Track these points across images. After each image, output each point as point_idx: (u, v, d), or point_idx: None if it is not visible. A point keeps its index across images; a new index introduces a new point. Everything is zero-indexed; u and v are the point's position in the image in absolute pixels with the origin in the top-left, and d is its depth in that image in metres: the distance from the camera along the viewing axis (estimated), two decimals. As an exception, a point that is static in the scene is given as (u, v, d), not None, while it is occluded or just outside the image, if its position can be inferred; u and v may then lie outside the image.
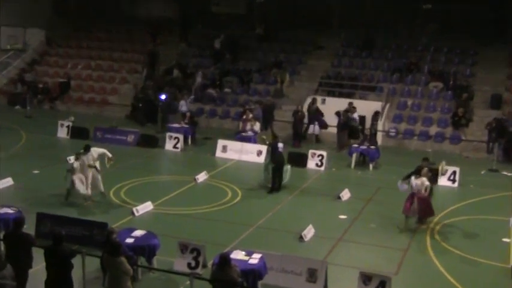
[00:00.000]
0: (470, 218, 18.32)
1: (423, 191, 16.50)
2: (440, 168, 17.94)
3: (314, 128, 27.65)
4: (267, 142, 21.22)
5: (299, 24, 35.68)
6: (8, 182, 19.39)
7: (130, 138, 26.02)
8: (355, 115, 26.81)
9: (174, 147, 25.39)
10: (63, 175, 18.06)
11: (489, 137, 26.20)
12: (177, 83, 32.64)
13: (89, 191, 17.90)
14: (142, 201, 17.93)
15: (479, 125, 27.58)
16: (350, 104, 27.46)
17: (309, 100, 29.35)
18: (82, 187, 17.75)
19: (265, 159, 21.17)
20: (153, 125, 29.16)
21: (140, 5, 39.77)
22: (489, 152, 25.88)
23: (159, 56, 34.75)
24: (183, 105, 29.03)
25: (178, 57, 35.16)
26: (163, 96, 29.58)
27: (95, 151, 18.40)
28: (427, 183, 16.56)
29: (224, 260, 11.03)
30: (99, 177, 18.29)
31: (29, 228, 14.54)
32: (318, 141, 27.30)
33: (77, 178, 17.72)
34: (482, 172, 23.82)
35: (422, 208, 16.64)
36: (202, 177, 21.06)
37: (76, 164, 17.84)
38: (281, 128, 28.03)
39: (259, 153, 24.08)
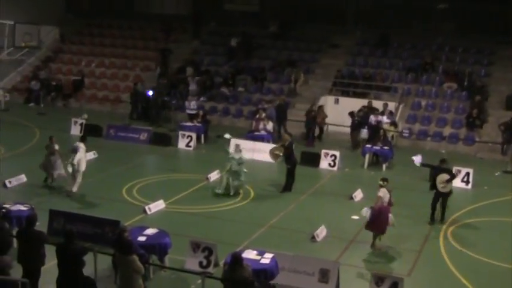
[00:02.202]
0: (484, 219, 18.19)
1: (383, 203, 15.44)
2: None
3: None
4: (281, 154, 20.59)
5: (313, 22, 35.58)
6: (22, 178, 19.52)
7: (143, 136, 26.05)
8: (384, 117, 26.51)
9: (187, 145, 25.39)
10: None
11: (503, 138, 25.97)
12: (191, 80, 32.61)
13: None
14: (155, 199, 17.94)
15: (494, 126, 27.34)
16: (385, 105, 27.40)
17: (322, 99, 29.36)
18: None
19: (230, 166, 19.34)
20: (145, 122, 29.37)
21: (153, 1, 39.83)
22: (504, 154, 25.67)
23: (171, 54, 34.75)
24: (189, 106, 28.90)
25: (191, 54, 35.16)
26: (150, 93, 29.59)
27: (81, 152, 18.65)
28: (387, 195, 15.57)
29: (236, 260, 10.99)
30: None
31: (42, 225, 14.62)
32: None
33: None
34: (497, 174, 23.63)
35: (373, 221, 15.44)
36: (214, 176, 21.02)
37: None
38: (294, 127, 27.95)
39: (272, 152, 24.00)
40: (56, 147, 19.25)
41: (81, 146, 18.77)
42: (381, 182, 15.66)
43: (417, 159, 17.70)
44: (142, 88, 31.04)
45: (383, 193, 15.42)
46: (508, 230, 17.32)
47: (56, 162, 19.20)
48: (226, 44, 34.92)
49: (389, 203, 15.58)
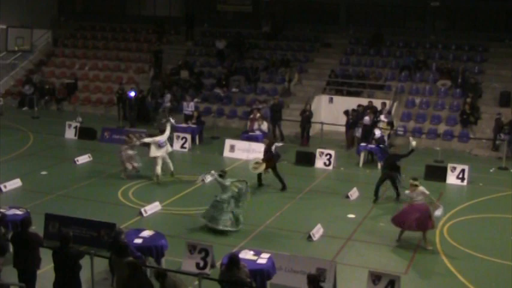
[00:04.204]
0: (479, 216, 18.21)
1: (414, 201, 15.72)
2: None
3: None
4: (262, 163, 20.18)
5: (306, 22, 35.63)
6: (16, 183, 19.44)
7: (138, 138, 25.97)
8: (382, 117, 26.44)
9: (182, 147, 25.37)
10: None
11: (494, 134, 26.05)
12: (184, 83, 32.56)
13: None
14: (150, 201, 17.94)
15: (488, 122, 27.40)
16: (383, 104, 27.34)
17: (316, 98, 29.38)
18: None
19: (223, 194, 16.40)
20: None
21: (145, 3, 39.82)
22: (495, 149, 25.78)
23: (162, 54, 34.70)
24: (187, 107, 28.85)
25: (184, 56, 35.13)
26: (132, 94, 29.54)
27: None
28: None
29: (233, 261, 10.99)
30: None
31: (38, 229, 14.60)
32: None
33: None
34: (491, 170, 23.67)
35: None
36: (209, 177, 20.94)
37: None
38: (289, 127, 27.97)
39: (267, 152, 24.01)
40: (136, 142, 20.83)
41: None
42: (414, 182, 15.71)
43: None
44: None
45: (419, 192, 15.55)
46: (504, 226, 17.37)
47: (134, 156, 20.67)
48: (214, 46, 34.87)
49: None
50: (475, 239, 16.36)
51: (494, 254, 15.22)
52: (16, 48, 36.20)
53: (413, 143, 20.08)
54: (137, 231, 13.98)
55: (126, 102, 29.92)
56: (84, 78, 35.49)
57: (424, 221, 15.32)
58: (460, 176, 21.58)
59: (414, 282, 13.66)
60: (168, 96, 30.74)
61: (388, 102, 28.02)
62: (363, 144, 24.23)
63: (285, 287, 12.88)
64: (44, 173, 21.18)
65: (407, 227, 15.51)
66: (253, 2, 36.32)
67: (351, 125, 26.64)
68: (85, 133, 26.60)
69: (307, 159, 23.42)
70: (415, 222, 15.30)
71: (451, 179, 21.54)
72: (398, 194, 19.15)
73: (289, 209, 18.41)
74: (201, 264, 13.39)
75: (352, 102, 28.19)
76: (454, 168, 21.66)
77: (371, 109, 26.82)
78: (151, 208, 17.58)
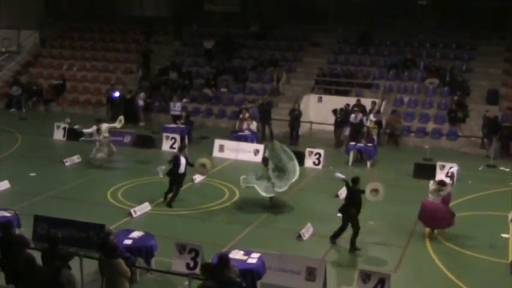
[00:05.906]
0: (469, 214, 18.26)
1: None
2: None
3: None
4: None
5: (294, 21, 35.66)
6: (5, 185, 19.31)
7: (127, 138, 25.91)
8: (371, 116, 26.41)
9: (171, 147, 25.31)
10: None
11: (483, 132, 26.19)
12: (172, 83, 32.49)
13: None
14: (140, 202, 17.88)
15: (476, 120, 27.53)
16: (373, 103, 27.41)
17: (305, 98, 29.37)
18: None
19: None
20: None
21: (133, 4, 39.69)
22: (483, 147, 25.93)
23: (151, 54, 34.62)
24: (173, 107, 28.76)
25: (173, 56, 35.07)
26: (116, 94, 29.36)
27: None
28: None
29: (223, 261, 10.95)
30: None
31: (27, 230, 14.54)
32: None
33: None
34: (480, 168, 23.77)
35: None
36: (199, 177, 20.94)
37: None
38: (278, 126, 27.97)
39: (256, 152, 24.04)
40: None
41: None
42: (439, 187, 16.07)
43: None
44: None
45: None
46: (494, 223, 17.46)
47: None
48: (203, 46, 34.82)
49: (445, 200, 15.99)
50: (464, 236, 16.41)
51: (484, 251, 15.30)
52: (3, 50, 36.01)
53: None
54: (127, 232, 13.93)
55: (111, 103, 29.91)
56: (72, 79, 35.32)
57: (431, 219, 15.96)
58: (449, 174, 21.62)
59: (404, 280, 13.69)
60: (141, 95, 30.58)
61: (377, 101, 28.11)
62: (352, 143, 24.27)
63: (275, 286, 12.89)
64: (32, 174, 21.07)
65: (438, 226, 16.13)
66: (241, 1, 36.32)
67: (339, 124, 26.70)
68: (73, 134, 26.43)
69: (296, 159, 23.37)
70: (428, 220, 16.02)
71: (440, 177, 21.56)
72: (337, 236, 15.79)
73: (278, 208, 18.38)
74: (191, 264, 13.38)
75: (340, 101, 28.25)
76: (443, 166, 21.74)
77: (359, 107, 26.91)
78: (141, 209, 17.53)
